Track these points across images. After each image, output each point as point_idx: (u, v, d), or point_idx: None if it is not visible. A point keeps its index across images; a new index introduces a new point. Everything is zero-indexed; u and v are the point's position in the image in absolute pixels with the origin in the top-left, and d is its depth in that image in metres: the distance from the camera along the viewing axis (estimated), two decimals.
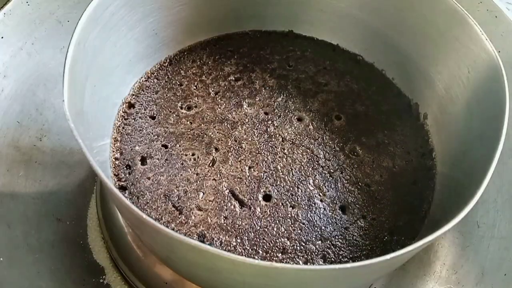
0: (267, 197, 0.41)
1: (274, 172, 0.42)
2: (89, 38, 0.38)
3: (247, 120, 0.46)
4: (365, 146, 0.45)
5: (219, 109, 0.46)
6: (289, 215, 0.40)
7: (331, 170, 0.43)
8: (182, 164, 0.43)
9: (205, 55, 0.51)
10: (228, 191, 0.41)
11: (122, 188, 0.41)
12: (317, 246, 0.39)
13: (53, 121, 0.51)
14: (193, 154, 0.43)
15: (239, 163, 0.43)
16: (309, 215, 0.40)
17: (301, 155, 0.44)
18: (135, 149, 0.43)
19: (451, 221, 0.29)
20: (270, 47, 0.53)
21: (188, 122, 0.45)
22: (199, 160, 0.43)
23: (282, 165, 0.43)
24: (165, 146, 0.44)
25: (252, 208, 0.40)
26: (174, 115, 0.46)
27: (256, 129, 0.45)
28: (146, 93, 0.47)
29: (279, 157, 0.43)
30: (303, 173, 0.43)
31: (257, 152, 0.44)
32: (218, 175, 0.42)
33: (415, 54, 0.47)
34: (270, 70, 0.50)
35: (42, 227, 0.45)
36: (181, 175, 0.42)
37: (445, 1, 0.42)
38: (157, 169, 0.42)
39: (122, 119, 0.45)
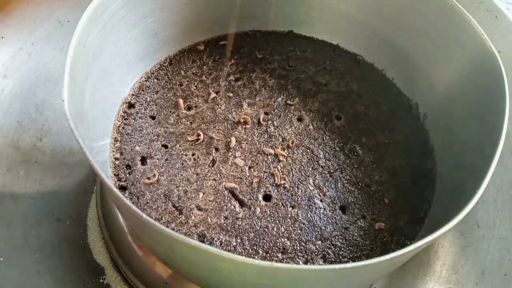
0: (267, 197, 0.41)
1: (274, 172, 0.42)
2: (89, 38, 0.38)
3: (247, 120, 0.46)
4: (365, 146, 0.45)
5: (219, 109, 0.46)
6: (289, 215, 0.40)
7: (331, 170, 0.43)
8: (182, 164, 0.43)
9: (205, 55, 0.51)
10: (228, 191, 0.41)
11: (122, 188, 0.41)
12: (317, 246, 0.39)
13: (53, 121, 0.51)
14: (193, 154, 0.43)
15: (239, 163, 0.43)
16: (309, 215, 0.40)
17: (301, 155, 0.44)
18: (135, 149, 0.43)
19: (451, 221, 0.29)
20: (270, 47, 0.53)
21: (188, 122, 0.45)
22: (199, 160, 0.43)
23: (282, 165, 0.43)
24: (165, 146, 0.44)
25: (252, 208, 0.40)
26: (174, 115, 0.46)
27: (256, 129, 0.45)
28: (146, 93, 0.47)
29: (279, 157, 0.43)
30: (303, 173, 0.43)
31: (257, 152, 0.44)
32: (218, 175, 0.42)
33: (415, 54, 0.47)
34: (270, 70, 0.50)
35: (42, 227, 0.45)
36: (181, 175, 0.42)
37: (445, 1, 0.42)
38: (157, 169, 0.42)
39: (122, 119, 0.45)
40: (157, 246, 0.35)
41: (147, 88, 0.48)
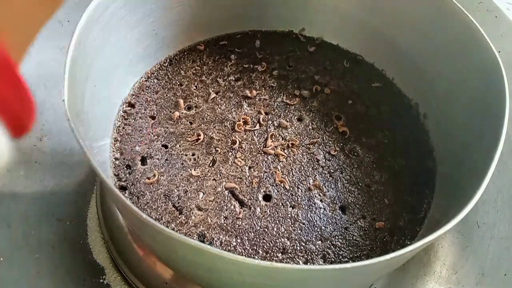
0: (267, 197, 0.41)
1: (274, 172, 0.42)
2: (89, 38, 0.38)
3: (247, 120, 0.46)
4: (365, 146, 0.45)
5: (219, 109, 0.46)
6: (289, 215, 0.40)
7: (331, 170, 0.43)
8: (182, 164, 0.43)
9: (205, 55, 0.51)
10: (228, 191, 0.41)
11: (122, 188, 0.41)
12: (317, 246, 0.39)
13: (53, 121, 0.51)
14: (193, 154, 0.43)
15: (239, 163, 0.43)
16: (309, 215, 0.40)
17: (301, 155, 0.44)
18: (135, 149, 0.43)
19: (451, 221, 0.29)
20: (270, 47, 0.53)
21: (188, 122, 0.45)
22: (199, 160, 0.43)
23: (282, 165, 0.43)
24: (165, 146, 0.44)
25: (252, 208, 0.40)
26: (174, 115, 0.46)
27: (256, 129, 0.45)
28: (146, 93, 0.47)
29: (279, 157, 0.43)
30: (303, 173, 0.43)
31: (257, 152, 0.44)
32: (218, 175, 0.42)
33: (415, 54, 0.47)
34: (270, 70, 0.50)
35: (42, 227, 0.45)
36: (181, 175, 0.42)
37: (445, 1, 0.42)
38: (157, 169, 0.42)
39: (122, 119, 0.45)
40: (157, 246, 0.35)
41: (147, 88, 0.48)
